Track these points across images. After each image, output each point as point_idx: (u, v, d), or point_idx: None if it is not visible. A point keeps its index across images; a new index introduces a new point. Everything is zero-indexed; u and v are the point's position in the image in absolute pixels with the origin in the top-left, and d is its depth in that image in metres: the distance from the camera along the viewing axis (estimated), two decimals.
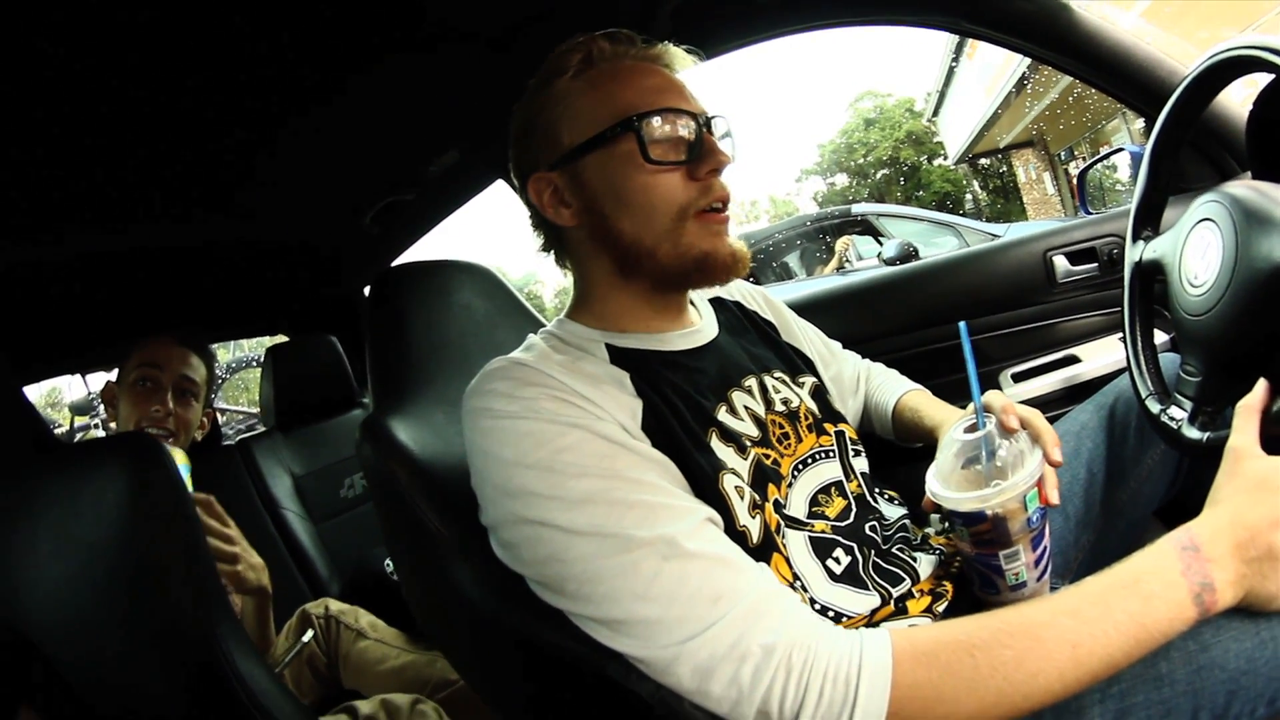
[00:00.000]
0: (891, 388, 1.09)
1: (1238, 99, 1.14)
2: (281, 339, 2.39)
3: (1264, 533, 0.57)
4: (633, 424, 0.69)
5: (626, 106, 0.75)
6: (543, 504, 0.62)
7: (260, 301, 2.15)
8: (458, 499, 0.69)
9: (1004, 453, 0.69)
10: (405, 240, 1.91)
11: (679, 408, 0.74)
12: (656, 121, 0.74)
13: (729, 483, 0.71)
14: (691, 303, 0.90)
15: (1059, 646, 0.55)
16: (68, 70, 0.82)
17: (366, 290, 2.21)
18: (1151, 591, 0.56)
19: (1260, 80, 0.84)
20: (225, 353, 8.17)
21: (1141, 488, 0.98)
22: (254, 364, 7.28)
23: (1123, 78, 1.20)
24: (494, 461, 0.65)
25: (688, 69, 0.84)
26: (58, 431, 4.83)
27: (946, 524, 0.71)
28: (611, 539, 0.60)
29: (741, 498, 0.71)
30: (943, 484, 0.71)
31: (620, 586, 0.59)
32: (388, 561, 1.54)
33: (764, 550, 0.70)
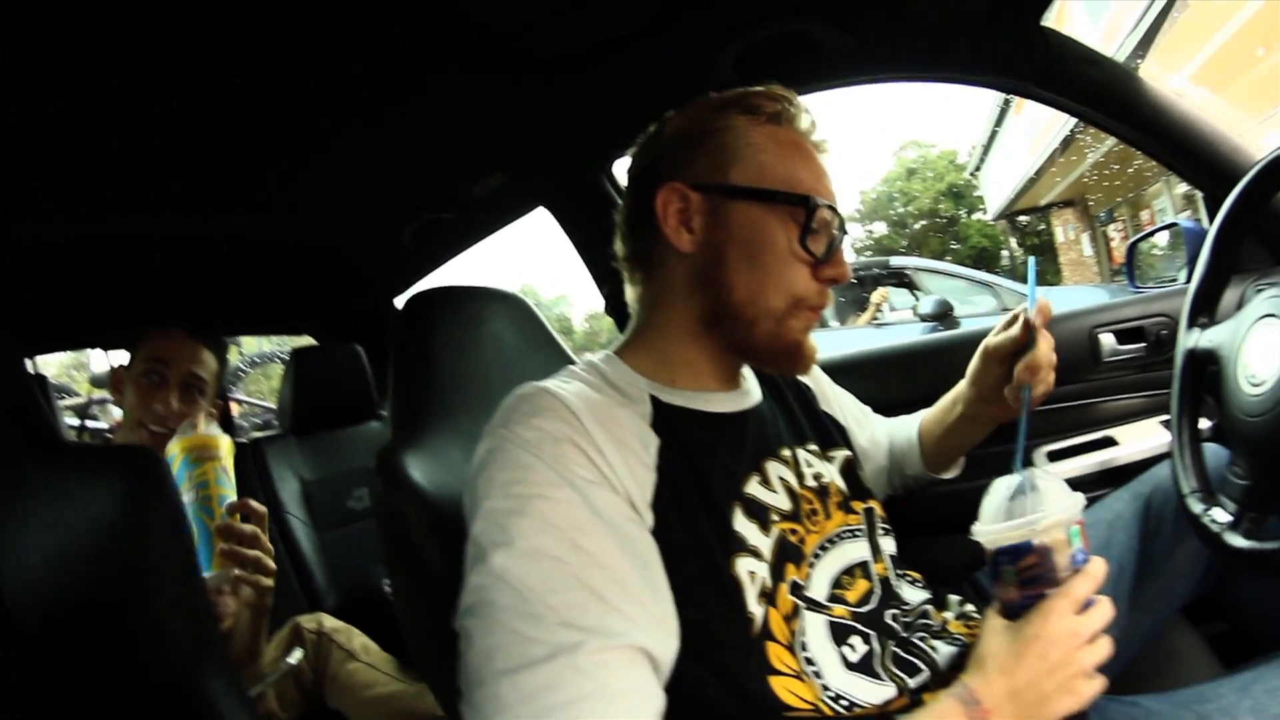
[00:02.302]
0: (912, 420, 1.10)
1: None
2: (308, 341, 2.41)
3: (1036, 683, 0.62)
4: (641, 498, 0.66)
5: (804, 184, 0.75)
6: (494, 534, 0.59)
7: (289, 302, 2.17)
8: (464, 542, 0.67)
9: (1044, 484, 0.67)
10: (440, 257, 1.92)
11: (706, 479, 0.71)
12: (826, 215, 0.75)
13: (743, 567, 0.67)
14: None
15: None
16: (134, 57, 0.84)
17: (397, 302, 2.24)
18: None
19: None
20: (249, 345, 8.29)
21: (1171, 584, 0.94)
22: (277, 360, 7.37)
23: (1185, 152, 1.17)
24: (485, 477, 0.64)
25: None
26: (76, 401, 4.90)
27: (991, 573, 0.68)
28: (527, 605, 0.55)
29: (753, 583, 0.67)
30: (990, 523, 0.69)
31: (501, 652, 0.54)
32: (387, 581, 1.51)
33: (761, 639, 0.66)
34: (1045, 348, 0.86)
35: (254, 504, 1.06)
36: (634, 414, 0.72)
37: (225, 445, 1.05)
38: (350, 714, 1.28)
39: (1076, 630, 0.63)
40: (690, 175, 0.76)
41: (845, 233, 0.79)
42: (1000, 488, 0.69)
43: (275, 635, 1.36)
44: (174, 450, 1.02)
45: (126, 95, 0.93)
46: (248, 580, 1.04)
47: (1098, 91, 1.18)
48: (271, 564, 1.06)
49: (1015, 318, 0.91)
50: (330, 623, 1.38)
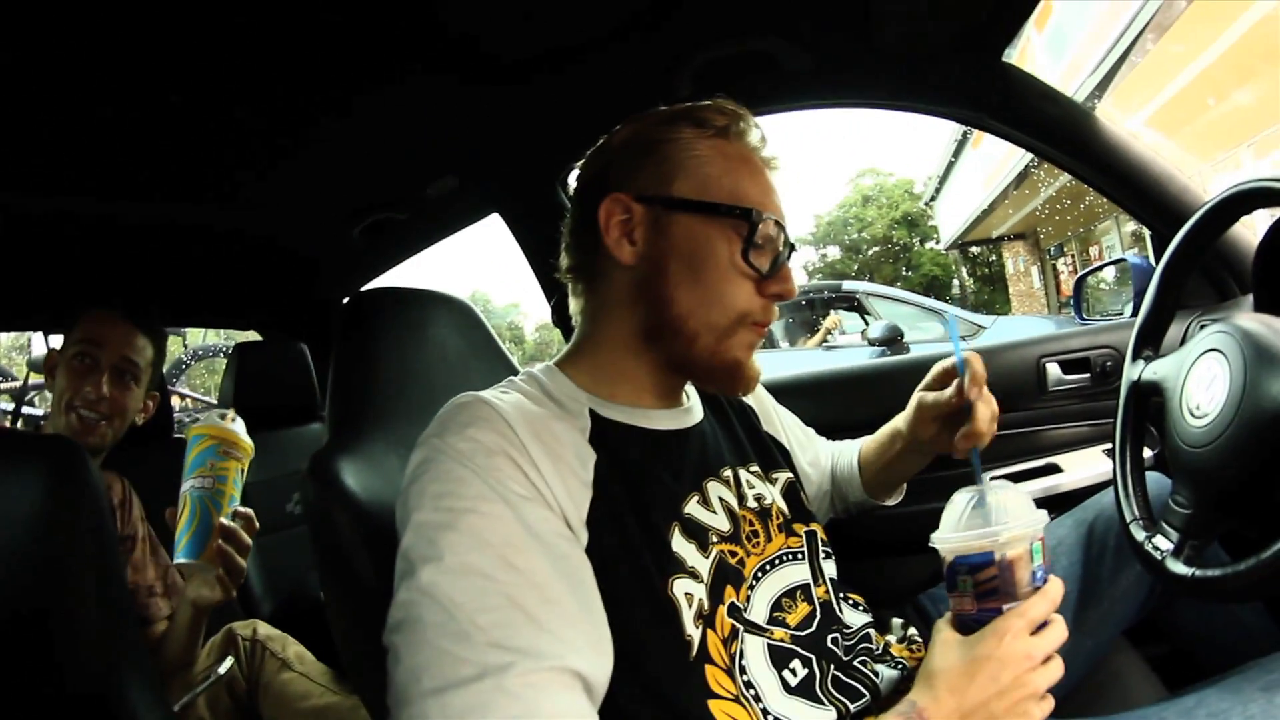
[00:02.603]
0: (853, 446, 1.09)
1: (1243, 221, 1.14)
2: (252, 336, 2.34)
3: (987, 704, 0.62)
4: (576, 515, 0.64)
5: (748, 197, 0.74)
6: (424, 548, 0.57)
7: (235, 294, 2.10)
8: (396, 551, 0.64)
9: (1007, 497, 0.67)
10: (391, 258, 1.89)
11: (644, 499, 0.69)
12: (771, 226, 0.74)
13: (679, 588, 0.66)
14: None
15: None
16: (87, 36, 0.81)
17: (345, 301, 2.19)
18: None
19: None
20: (195, 337, 8.02)
21: (1114, 608, 0.95)
22: (222, 354, 7.14)
23: (1136, 191, 1.21)
24: (417, 489, 0.61)
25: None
26: (12, 385, 4.65)
27: (948, 582, 0.68)
28: (455, 624, 0.53)
29: (690, 605, 0.66)
30: (950, 531, 0.68)
31: (429, 671, 0.52)
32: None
33: (699, 662, 0.65)
34: (983, 411, 0.84)
35: (241, 509, 1.06)
36: (572, 428, 0.70)
37: (250, 453, 1.08)
38: None
39: (1030, 652, 0.63)
40: (635, 186, 0.75)
41: (792, 248, 0.78)
42: (962, 498, 0.69)
43: (209, 641, 1.30)
44: (202, 431, 1.03)
45: (78, 74, 0.89)
46: (224, 583, 1.04)
47: (1055, 128, 1.22)
48: (242, 565, 1.05)
49: (948, 372, 0.90)
50: (265, 630, 1.33)
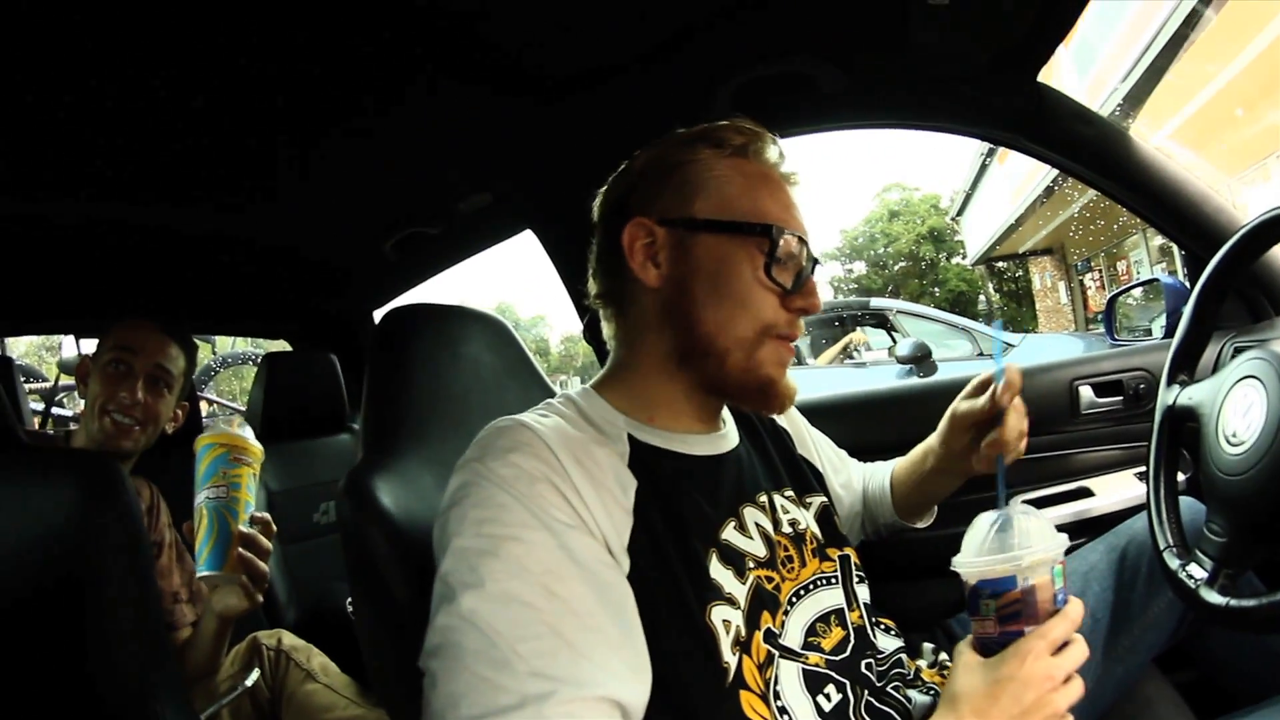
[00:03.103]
0: (885, 467, 1.09)
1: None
2: (282, 346, 2.37)
3: None
4: (618, 542, 0.64)
5: (768, 214, 0.74)
6: (464, 574, 0.57)
7: (266, 303, 2.14)
8: (432, 572, 0.65)
9: (1028, 521, 0.66)
10: (422, 272, 1.91)
11: (683, 525, 0.69)
12: (792, 242, 0.74)
13: (718, 615, 0.66)
14: None
15: None
16: (127, 44, 0.83)
17: (376, 314, 2.22)
18: None
19: None
20: (223, 344, 8.16)
21: (1145, 635, 0.94)
22: (250, 361, 7.25)
23: (1171, 212, 1.19)
24: (457, 514, 0.61)
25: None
26: (43, 386, 4.74)
27: (970, 606, 0.68)
28: (495, 651, 0.53)
29: (728, 632, 0.66)
30: (973, 555, 0.68)
31: (467, 699, 0.52)
32: (350, 600, 1.47)
33: (735, 688, 0.65)
34: (1014, 421, 0.85)
35: (271, 523, 1.06)
36: (612, 453, 0.70)
37: (260, 456, 1.06)
38: None
39: (1052, 673, 0.62)
40: (656, 210, 0.75)
41: (816, 262, 0.78)
42: (983, 522, 0.69)
43: (233, 650, 1.31)
44: (211, 441, 1.02)
45: (117, 82, 0.91)
46: (248, 591, 1.04)
47: (1089, 148, 1.20)
48: (265, 570, 1.04)
49: (985, 383, 0.90)
50: (289, 640, 1.34)
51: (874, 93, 1.25)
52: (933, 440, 0.99)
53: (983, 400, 0.89)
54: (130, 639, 0.73)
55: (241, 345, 8.32)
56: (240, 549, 1.00)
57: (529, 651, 0.54)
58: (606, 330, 0.82)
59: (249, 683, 1.11)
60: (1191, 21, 5.59)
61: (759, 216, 0.74)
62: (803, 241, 0.75)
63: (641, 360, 0.77)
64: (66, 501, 0.73)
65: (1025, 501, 1.31)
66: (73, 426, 1.42)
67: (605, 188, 0.83)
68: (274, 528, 1.07)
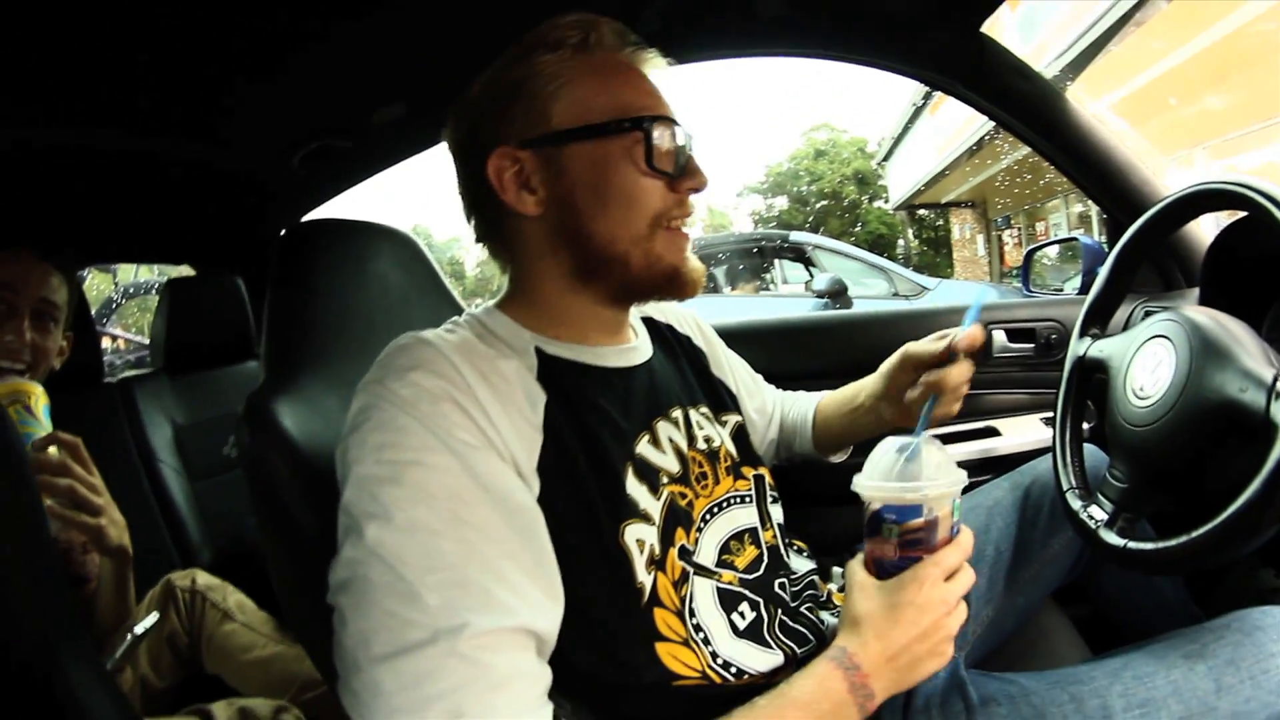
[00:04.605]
0: (808, 399, 1.11)
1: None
2: (185, 271, 2.22)
3: (909, 646, 0.64)
4: (527, 462, 0.63)
5: (632, 106, 0.71)
6: (367, 504, 0.55)
7: (165, 226, 1.96)
8: (338, 499, 0.62)
9: (933, 453, 0.69)
10: (332, 189, 1.77)
11: (596, 439, 0.68)
12: (663, 128, 0.71)
13: (632, 534, 0.66)
14: None
15: None
16: None
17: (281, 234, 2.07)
18: (823, 711, 0.61)
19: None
20: (126, 274, 7.59)
21: (1044, 570, 1.00)
22: (155, 290, 6.78)
23: (1098, 175, 1.23)
24: (357, 439, 0.59)
25: (658, 70, 0.77)
26: None
27: (870, 528, 0.70)
28: (403, 584, 0.52)
29: (642, 551, 0.66)
30: (880, 480, 0.69)
31: (378, 636, 0.51)
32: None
33: (649, 606, 0.65)
34: (961, 369, 0.87)
35: (63, 435, 0.97)
36: (520, 366, 0.68)
37: (27, 389, 1.00)
38: (229, 679, 1.20)
39: (946, 598, 0.66)
40: (513, 134, 0.70)
41: (692, 137, 0.75)
42: (889, 445, 0.70)
43: (147, 595, 1.25)
44: None
45: None
46: (64, 516, 0.95)
47: (1024, 103, 1.22)
48: (96, 499, 0.97)
49: (942, 335, 0.91)
50: (204, 579, 1.29)
51: (812, 22, 1.22)
52: (872, 378, 1.00)
53: (939, 344, 0.90)
54: (29, 592, 0.67)
55: (146, 274, 7.73)
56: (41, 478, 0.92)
57: (438, 583, 0.52)
58: (500, 267, 0.79)
59: (139, 630, 1.04)
60: (1143, 6, 5.72)
61: (623, 111, 0.70)
62: (674, 121, 0.72)
63: (541, 281, 0.74)
64: None
65: (934, 436, 1.38)
66: None
67: (448, 127, 0.77)
68: (69, 439, 0.98)
